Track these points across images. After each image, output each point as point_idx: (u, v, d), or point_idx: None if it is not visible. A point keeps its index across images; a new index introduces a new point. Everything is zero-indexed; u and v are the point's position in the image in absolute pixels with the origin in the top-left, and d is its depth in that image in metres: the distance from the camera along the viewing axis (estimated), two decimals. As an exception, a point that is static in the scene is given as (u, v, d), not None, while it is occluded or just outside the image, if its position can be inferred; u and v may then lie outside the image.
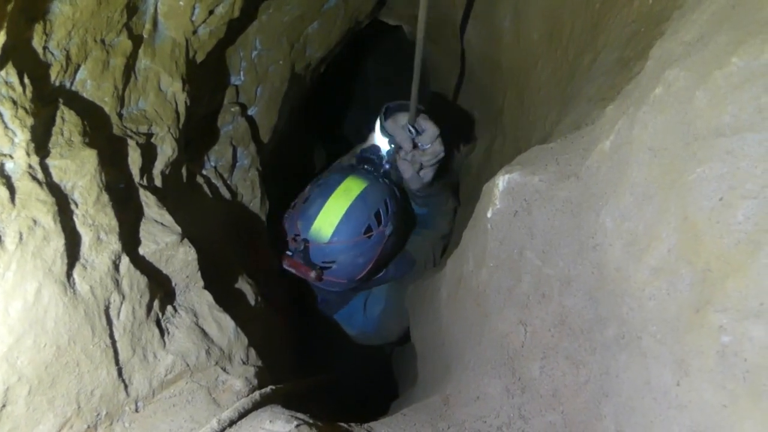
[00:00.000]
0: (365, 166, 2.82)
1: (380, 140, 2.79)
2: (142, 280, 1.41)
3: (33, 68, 1.26)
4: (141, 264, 1.46)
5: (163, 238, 1.55)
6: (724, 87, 0.85)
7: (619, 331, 1.03)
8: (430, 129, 2.59)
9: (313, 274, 2.52)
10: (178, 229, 1.60)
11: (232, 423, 1.32)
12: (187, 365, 1.51)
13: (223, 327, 1.68)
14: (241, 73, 2.54)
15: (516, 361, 1.30)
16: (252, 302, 2.06)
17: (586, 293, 1.14)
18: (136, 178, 1.64)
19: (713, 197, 0.83)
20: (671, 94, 0.96)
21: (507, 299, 1.36)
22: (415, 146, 2.62)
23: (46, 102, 1.30)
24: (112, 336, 1.32)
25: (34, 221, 1.14)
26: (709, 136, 0.86)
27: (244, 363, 1.71)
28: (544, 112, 2.29)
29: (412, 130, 2.57)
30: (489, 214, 1.42)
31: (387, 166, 2.79)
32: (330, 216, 2.51)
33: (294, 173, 3.69)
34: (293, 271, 2.57)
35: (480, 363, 1.42)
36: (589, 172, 1.18)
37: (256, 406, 1.44)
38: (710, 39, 0.93)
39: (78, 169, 1.30)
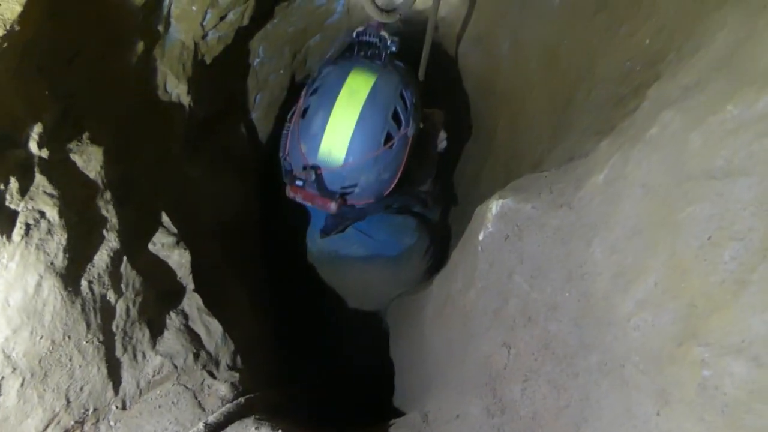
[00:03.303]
0: (366, 53, 2.29)
1: (376, 12, 2.27)
2: (137, 280, 1.43)
3: (47, 63, 1.28)
4: (138, 263, 1.48)
5: (160, 239, 1.57)
6: (718, 132, 0.89)
7: (603, 359, 1.06)
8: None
9: (333, 206, 2.05)
10: (175, 230, 1.62)
11: (218, 427, 1.34)
12: (175, 367, 1.52)
13: (211, 331, 1.69)
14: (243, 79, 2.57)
15: (498, 382, 1.32)
16: (240, 308, 2.07)
17: (572, 320, 1.16)
18: (139, 176, 1.65)
19: (702, 236, 0.87)
20: (666, 135, 0.99)
21: (493, 321, 1.38)
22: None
23: (57, 96, 1.31)
24: (105, 333, 1.33)
25: (41, 214, 1.16)
26: (701, 178, 0.89)
27: (230, 368, 1.72)
28: (536, 138, 2.33)
29: None
30: (480, 237, 1.44)
31: (393, 47, 2.25)
32: (339, 132, 2.04)
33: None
34: (308, 204, 2.11)
35: (462, 382, 1.44)
36: (582, 203, 1.21)
37: (242, 412, 1.45)
38: (707, 84, 0.97)
39: (84, 165, 1.32)
